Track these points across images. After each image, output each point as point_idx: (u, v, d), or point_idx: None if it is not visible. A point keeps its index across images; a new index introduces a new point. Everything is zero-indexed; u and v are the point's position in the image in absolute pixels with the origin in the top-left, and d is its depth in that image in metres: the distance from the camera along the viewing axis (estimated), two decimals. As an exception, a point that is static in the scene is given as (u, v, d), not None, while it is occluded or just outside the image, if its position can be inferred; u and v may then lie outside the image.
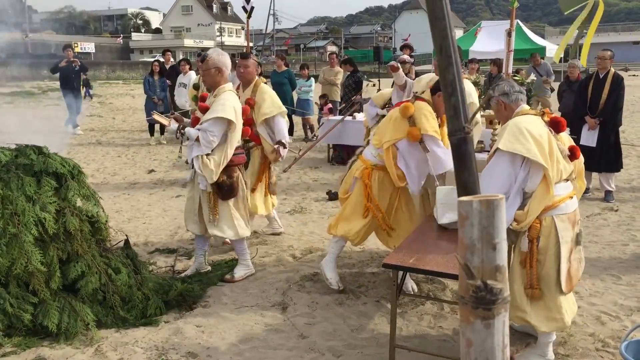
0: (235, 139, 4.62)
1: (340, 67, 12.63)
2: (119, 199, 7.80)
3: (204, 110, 4.59)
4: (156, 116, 4.99)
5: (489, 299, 1.43)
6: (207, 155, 4.52)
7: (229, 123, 4.52)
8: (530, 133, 3.28)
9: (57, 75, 13.55)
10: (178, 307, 4.29)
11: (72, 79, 13.47)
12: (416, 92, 4.89)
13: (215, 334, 3.87)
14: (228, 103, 4.53)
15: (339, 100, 12.46)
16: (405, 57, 9.25)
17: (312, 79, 13.15)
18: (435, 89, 4.36)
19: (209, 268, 5.03)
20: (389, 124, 4.44)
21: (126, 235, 4.75)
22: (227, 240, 5.61)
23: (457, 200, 1.45)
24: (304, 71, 13.48)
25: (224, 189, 4.62)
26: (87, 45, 56.40)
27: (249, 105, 5.30)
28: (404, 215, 4.55)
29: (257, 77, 5.64)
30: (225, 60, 4.65)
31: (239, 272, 4.88)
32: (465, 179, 1.55)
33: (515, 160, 3.30)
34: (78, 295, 3.92)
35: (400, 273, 3.53)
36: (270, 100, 5.39)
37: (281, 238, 5.99)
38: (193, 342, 3.76)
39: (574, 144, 3.62)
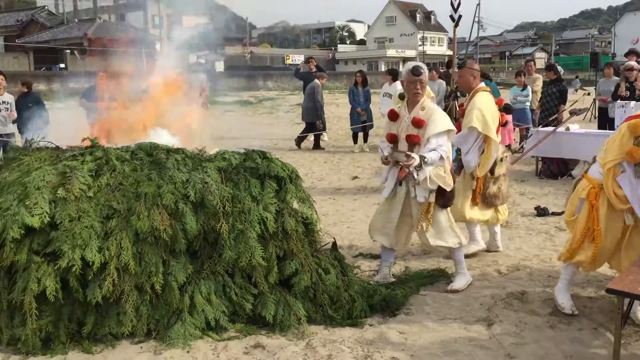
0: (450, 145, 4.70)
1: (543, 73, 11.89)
2: (325, 203, 8.19)
3: (418, 124, 4.58)
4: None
5: None
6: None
7: (449, 132, 4.61)
8: None
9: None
10: (381, 312, 4.37)
11: None
12: None
13: (419, 343, 3.88)
14: (443, 114, 4.65)
15: (538, 109, 11.78)
16: (633, 63, 8.39)
17: (529, 88, 12.21)
18: None
19: (393, 279, 5.02)
20: (615, 141, 4.06)
21: (333, 238, 4.96)
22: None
23: None
24: (519, 79, 12.66)
25: (448, 196, 4.63)
26: (297, 57, 60.27)
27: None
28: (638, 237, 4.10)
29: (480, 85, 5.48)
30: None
31: (460, 282, 4.82)
32: None
33: None
34: (291, 291, 4.19)
35: (627, 300, 3.21)
36: (469, 114, 5.23)
37: (485, 252, 5.79)
38: (397, 347, 3.81)
39: None
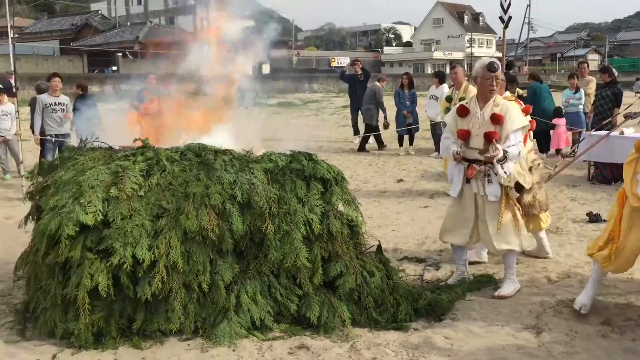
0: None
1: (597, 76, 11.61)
2: (370, 206, 8.15)
3: (497, 119, 4.48)
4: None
5: None
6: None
7: (524, 129, 4.69)
8: None
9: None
10: (427, 317, 4.32)
11: (356, 88, 14.23)
12: None
13: (465, 349, 3.82)
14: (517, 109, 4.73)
15: (591, 112, 11.46)
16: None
17: (582, 91, 11.92)
18: None
19: (471, 276, 5.00)
20: None
21: (378, 241, 4.94)
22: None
23: None
24: (572, 81, 12.31)
25: (522, 191, 4.66)
26: (343, 60, 60.29)
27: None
28: None
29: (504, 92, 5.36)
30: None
31: (508, 288, 4.72)
32: None
33: None
34: (336, 292, 4.19)
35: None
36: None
37: (534, 258, 5.65)
38: (442, 353, 3.76)
39: None
